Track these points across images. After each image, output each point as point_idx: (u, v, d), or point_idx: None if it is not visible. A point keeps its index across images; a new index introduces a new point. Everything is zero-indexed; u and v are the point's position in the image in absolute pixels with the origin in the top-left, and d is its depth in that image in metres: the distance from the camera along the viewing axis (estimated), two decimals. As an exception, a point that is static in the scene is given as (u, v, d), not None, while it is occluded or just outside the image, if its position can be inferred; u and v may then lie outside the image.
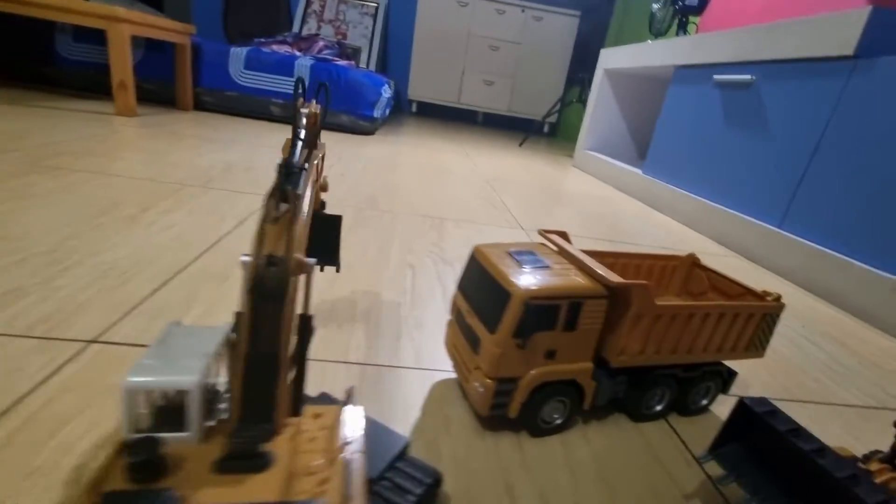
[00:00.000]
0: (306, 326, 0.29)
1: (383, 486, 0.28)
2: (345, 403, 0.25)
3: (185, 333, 0.27)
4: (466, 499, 0.35)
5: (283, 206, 0.27)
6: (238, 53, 2.03)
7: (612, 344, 0.42)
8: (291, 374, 0.27)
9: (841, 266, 0.94)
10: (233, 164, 1.24)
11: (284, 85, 2.07)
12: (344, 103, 2.11)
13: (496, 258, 0.42)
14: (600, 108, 2.25)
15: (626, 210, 1.53)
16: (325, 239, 0.49)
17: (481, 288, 0.42)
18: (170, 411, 0.25)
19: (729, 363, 0.61)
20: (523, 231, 1.09)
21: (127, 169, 1.03)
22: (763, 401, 0.33)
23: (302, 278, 0.28)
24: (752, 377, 0.60)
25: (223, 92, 2.06)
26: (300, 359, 0.29)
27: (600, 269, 0.40)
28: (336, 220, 0.49)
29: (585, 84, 2.69)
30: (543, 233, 0.49)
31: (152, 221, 0.77)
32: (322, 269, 0.50)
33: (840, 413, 0.56)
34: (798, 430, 0.30)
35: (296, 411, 0.28)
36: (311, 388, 0.44)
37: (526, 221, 1.17)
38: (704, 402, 0.50)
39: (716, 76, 1.39)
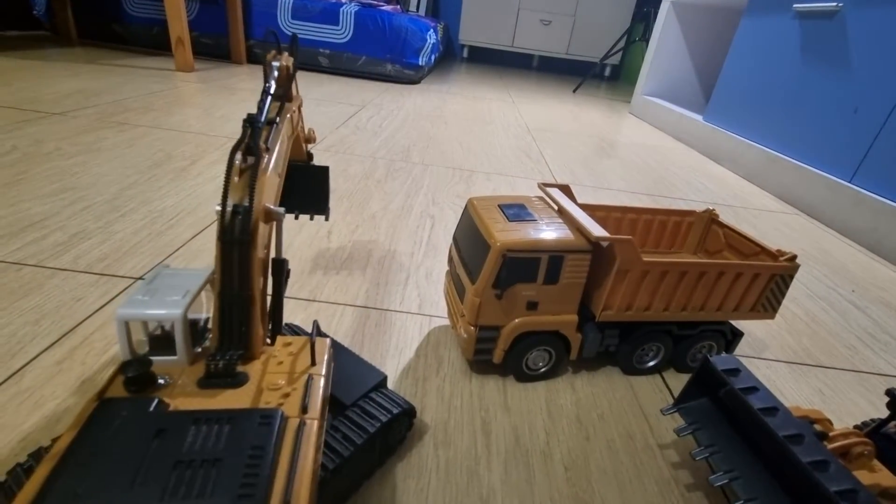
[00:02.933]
0: (280, 269, 0.32)
1: (353, 412, 0.32)
2: (312, 335, 0.28)
3: (171, 275, 0.31)
4: (444, 431, 0.39)
5: (250, 159, 0.29)
6: (285, 3, 2.04)
7: (598, 298, 0.42)
8: (264, 309, 0.31)
9: (917, 225, 0.84)
10: (277, 117, 1.29)
11: (331, 34, 2.06)
12: (388, 51, 2.08)
13: (485, 210, 0.43)
14: (664, 47, 2.04)
15: (680, 162, 1.43)
16: (313, 189, 0.51)
17: (469, 239, 0.43)
18: (162, 339, 0.29)
19: (745, 323, 0.59)
20: (556, 183, 1.06)
21: (181, 123, 1.11)
22: (729, 359, 0.32)
23: (273, 225, 0.31)
24: (772, 339, 0.58)
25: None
26: (276, 296, 0.32)
27: (587, 224, 0.40)
28: (323, 171, 0.51)
29: (651, 19, 2.44)
30: (542, 186, 0.49)
31: (199, 173, 0.84)
32: (311, 218, 0.52)
33: (864, 381, 0.53)
34: (756, 389, 0.29)
35: (273, 341, 0.32)
36: (310, 325, 0.48)
37: (562, 174, 1.13)
38: (705, 360, 0.49)
39: (796, 5, 1.21)
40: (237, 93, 1.52)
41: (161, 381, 0.27)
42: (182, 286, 0.29)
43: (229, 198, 0.28)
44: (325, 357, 0.29)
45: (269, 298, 0.32)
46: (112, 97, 1.26)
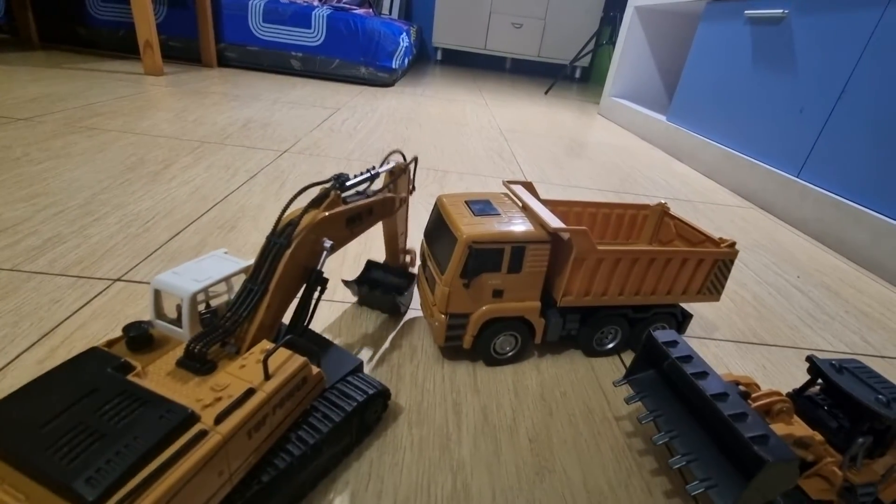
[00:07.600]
0: (316, 279, 0.35)
1: (331, 394, 0.35)
2: (270, 351, 0.29)
3: (219, 259, 0.34)
4: (417, 412, 0.41)
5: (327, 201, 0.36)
6: (256, 6, 2.03)
7: (558, 285, 0.45)
8: (278, 312, 0.34)
9: (856, 216, 0.91)
10: (250, 120, 1.30)
11: (303, 37, 2.07)
12: (362, 54, 2.10)
13: (453, 206, 0.45)
14: (629, 50, 2.12)
15: (645, 160, 1.49)
16: (397, 285, 0.54)
17: (438, 234, 0.46)
18: (204, 315, 0.32)
19: (698, 307, 0.64)
20: (527, 182, 1.10)
21: (153, 128, 1.11)
22: (669, 333, 0.36)
23: (321, 253, 0.36)
24: (722, 321, 0.63)
25: (245, 47, 2.09)
26: (299, 305, 0.36)
27: (546, 217, 0.43)
28: (411, 276, 0.55)
29: (617, 23, 2.52)
30: (506, 183, 0.52)
31: (173, 177, 0.84)
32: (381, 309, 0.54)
33: (803, 356, 0.58)
34: (690, 358, 0.33)
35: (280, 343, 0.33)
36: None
37: (533, 173, 1.18)
38: (659, 341, 0.53)
39: (747, 11, 1.29)
40: (209, 96, 1.51)
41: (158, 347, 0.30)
42: (214, 272, 0.32)
43: (302, 220, 0.34)
44: (285, 378, 0.28)
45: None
46: (79, 102, 1.24)
